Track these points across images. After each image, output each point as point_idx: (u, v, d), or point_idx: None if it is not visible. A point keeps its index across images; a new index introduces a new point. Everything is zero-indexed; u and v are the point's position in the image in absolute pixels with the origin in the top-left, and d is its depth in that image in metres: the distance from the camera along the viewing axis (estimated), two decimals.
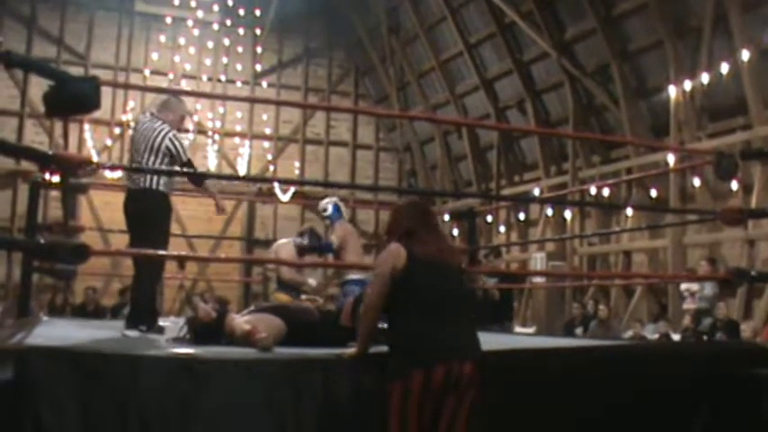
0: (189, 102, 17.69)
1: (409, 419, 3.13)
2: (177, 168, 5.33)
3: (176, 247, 16.01)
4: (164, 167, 5.31)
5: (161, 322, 5.50)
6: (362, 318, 3.54)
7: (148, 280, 5.38)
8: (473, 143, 17.29)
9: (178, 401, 3.14)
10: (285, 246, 7.68)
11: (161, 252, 5.10)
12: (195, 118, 18.17)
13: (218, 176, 18.76)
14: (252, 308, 4.86)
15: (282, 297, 7.33)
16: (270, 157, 18.94)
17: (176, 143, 5.39)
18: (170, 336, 4.74)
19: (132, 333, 5.02)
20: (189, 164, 5.46)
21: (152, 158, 5.30)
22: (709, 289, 10.10)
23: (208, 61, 18.24)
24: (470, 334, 3.30)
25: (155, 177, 5.28)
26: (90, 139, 17.10)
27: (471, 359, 3.17)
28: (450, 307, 3.25)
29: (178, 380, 3.18)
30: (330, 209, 7.52)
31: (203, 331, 4.34)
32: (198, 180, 5.70)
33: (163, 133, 5.36)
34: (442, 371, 3.07)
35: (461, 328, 3.25)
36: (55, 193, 14.73)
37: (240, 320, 4.31)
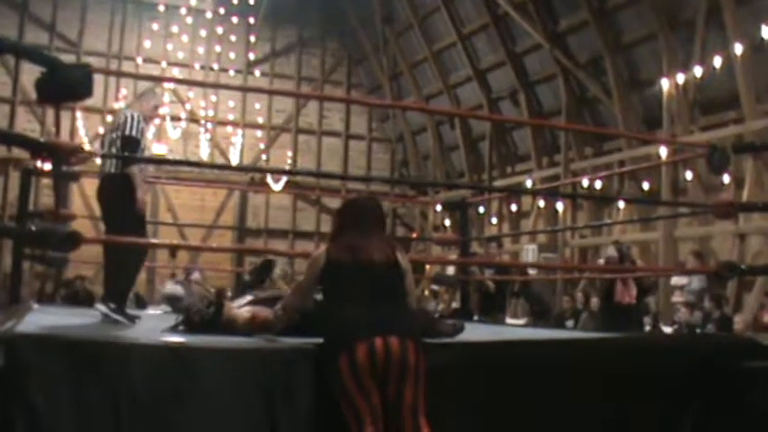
0: (181, 90, 17.93)
1: (358, 403, 3.23)
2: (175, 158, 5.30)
3: (168, 236, 16.10)
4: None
5: (150, 311, 5.47)
6: (280, 310, 3.89)
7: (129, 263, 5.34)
8: (465, 134, 17.30)
9: (170, 389, 3.14)
10: None
11: (152, 240, 5.06)
12: (188, 106, 18.13)
13: (211, 165, 18.79)
14: (250, 298, 4.83)
15: (282, 285, 7.17)
16: (262, 146, 18.92)
17: (133, 120, 5.26)
18: (165, 326, 4.72)
19: (102, 308, 5.01)
20: (130, 140, 5.23)
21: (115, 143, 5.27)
22: (696, 283, 10.14)
23: (201, 50, 18.18)
24: (393, 314, 3.42)
25: (115, 161, 5.18)
26: (82, 127, 17.06)
27: (397, 335, 3.28)
28: (366, 295, 3.43)
29: (169, 367, 3.18)
30: None
31: (199, 322, 4.33)
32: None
33: (129, 119, 5.27)
34: (365, 348, 3.22)
35: (381, 310, 3.38)
36: (46, 181, 14.64)
37: (241, 310, 4.31)
